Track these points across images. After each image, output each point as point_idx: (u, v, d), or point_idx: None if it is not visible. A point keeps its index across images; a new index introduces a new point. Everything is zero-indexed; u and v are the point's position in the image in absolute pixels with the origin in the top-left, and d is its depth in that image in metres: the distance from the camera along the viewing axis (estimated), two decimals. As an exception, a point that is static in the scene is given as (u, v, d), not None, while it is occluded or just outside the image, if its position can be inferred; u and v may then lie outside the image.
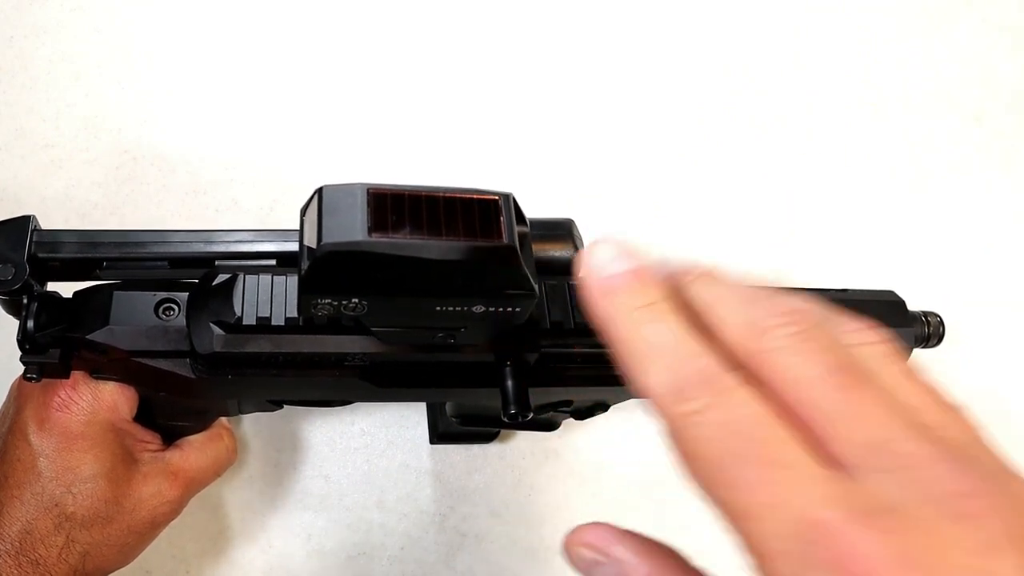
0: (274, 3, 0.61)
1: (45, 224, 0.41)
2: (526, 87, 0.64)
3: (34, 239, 0.40)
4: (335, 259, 0.33)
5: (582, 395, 0.50)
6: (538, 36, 0.65)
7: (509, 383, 0.42)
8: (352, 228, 0.32)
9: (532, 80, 0.64)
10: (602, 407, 0.53)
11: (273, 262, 0.41)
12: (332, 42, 0.62)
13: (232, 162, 0.61)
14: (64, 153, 0.59)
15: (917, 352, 0.53)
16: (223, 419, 0.55)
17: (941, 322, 0.52)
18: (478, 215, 0.34)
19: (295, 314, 0.40)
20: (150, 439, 0.50)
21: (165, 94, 0.60)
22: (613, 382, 0.46)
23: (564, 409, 0.53)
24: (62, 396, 0.46)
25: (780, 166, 0.67)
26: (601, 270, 0.26)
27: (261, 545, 0.62)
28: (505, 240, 0.34)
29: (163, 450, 0.51)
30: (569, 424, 0.62)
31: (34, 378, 0.43)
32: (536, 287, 0.36)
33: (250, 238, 0.42)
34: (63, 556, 0.45)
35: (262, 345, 0.40)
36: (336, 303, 0.35)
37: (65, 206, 0.59)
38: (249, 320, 0.39)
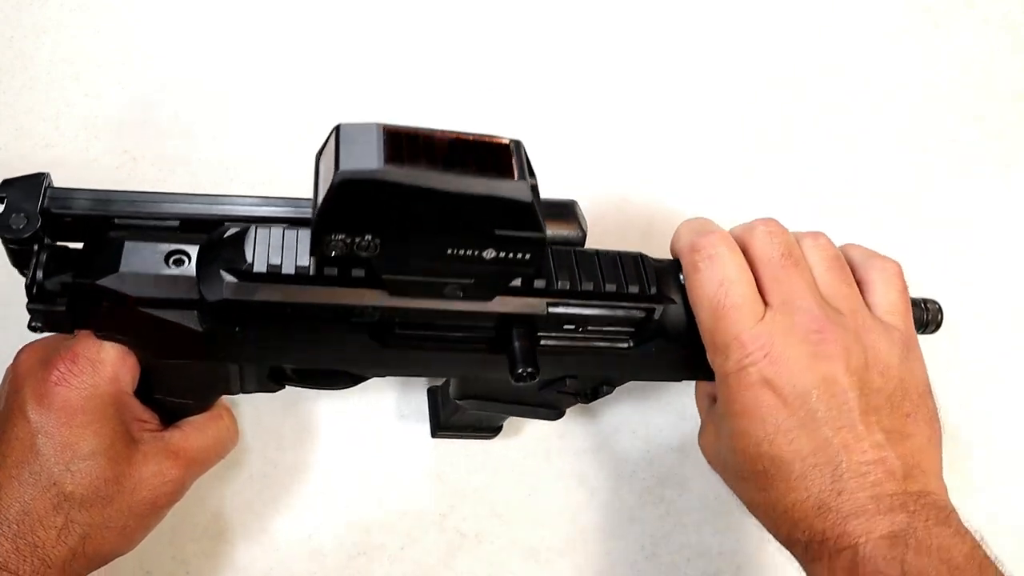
0: (275, 1, 0.61)
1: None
2: (539, 78, 0.64)
3: (48, 194, 0.41)
4: (352, 188, 0.33)
5: (589, 368, 0.49)
6: (545, 27, 0.65)
7: (517, 344, 0.43)
8: (369, 158, 0.33)
9: (546, 71, 0.64)
10: (608, 385, 0.52)
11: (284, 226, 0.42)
12: (333, 42, 0.62)
13: (232, 162, 0.61)
14: (64, 153, 0.59)
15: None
16: (223, 400, 0.53)
17: (940, 309, 0.54)
18: (491, 155, 0.35)
19: (306, 263, 0.40)
20: (148, 418, 0.49)
21: (165, 94, 0.60)
22: (619, 354, 0.47)
23: (570, 392, 0.52)
24: (61, 370, 0.45)
25: (781, 166, 0.67)
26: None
27: (261, 545, 0.62)
28: (517, 177, 0.35)
29: (162, 430, 0.49)
30: (569, 424, 0.62)
31: (38, 327, 0.42)
32: (546, 233, 0.37)
33: (261, 203, 0.43)
34: (62, 538, 0.44)
35: (271, 294, 0.40)
36: (350, 240, 0.36)
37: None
38: (260, 267, 0.40)
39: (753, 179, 0.67)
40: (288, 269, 0.40)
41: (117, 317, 0.42)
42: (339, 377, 0.51)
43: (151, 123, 0.60)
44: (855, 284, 0.48)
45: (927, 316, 0.54)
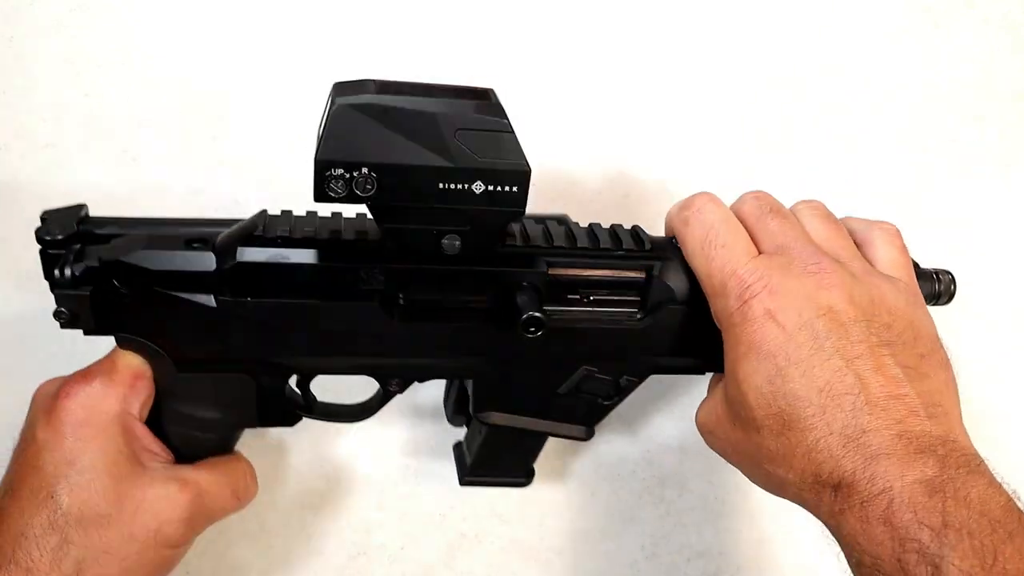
0: (276, 4, 0.61)
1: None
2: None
3: (82, 216, 0.45)
4: (349, 114, 0.39)
5: (603, 352, 0.49)
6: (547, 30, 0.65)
7: (520, 297, 0.45)
8: (363, 93, 0.40)
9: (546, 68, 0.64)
10: (628, 376, 0.51)
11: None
12: (333, 43, 0.62)
13: (232, 162, 0.61)
14: (64, 153, 0.59)
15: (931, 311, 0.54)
16: (239, 451, 0.52)
17: (952, 280, 0.54)
18: (470, 91, 0.42)
19: (313, 231, 0.45)
20: (158, 450, 0.48)
21: (165, 94, 0.60)
22: (631, 331, 0.48)
23: (592, 394, 0.51)
24: (70, 385, 0.46)
25: (781, 166, 0.67)
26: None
27: (261, 545, 0.62)
28: (492, 100, 0.41)
29: (173, 462, 0.48)
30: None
31: (64, 314, 0.43)
32: (528, 165, 0.41)
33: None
34: (56, 562, 0.42)
35: (282, 257, 0.44)
36: (348, 176, 0.40)
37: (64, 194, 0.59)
38: (271, 234, 0.44)
39: (753, 179, 0.67)
40: (298, 235, 0.44)
41: (136, 305, 0.44)
42: (353, 369, 0.50)
43: (151, 123, 0.60)
44: (852, 241, 0.48)
45: (939, 287, 0.53)
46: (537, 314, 0.44)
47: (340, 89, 0.40)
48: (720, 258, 0.45)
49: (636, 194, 0.65)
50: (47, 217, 0.44)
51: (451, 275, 0.45)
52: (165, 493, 0.45)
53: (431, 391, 0.61)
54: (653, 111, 0.65)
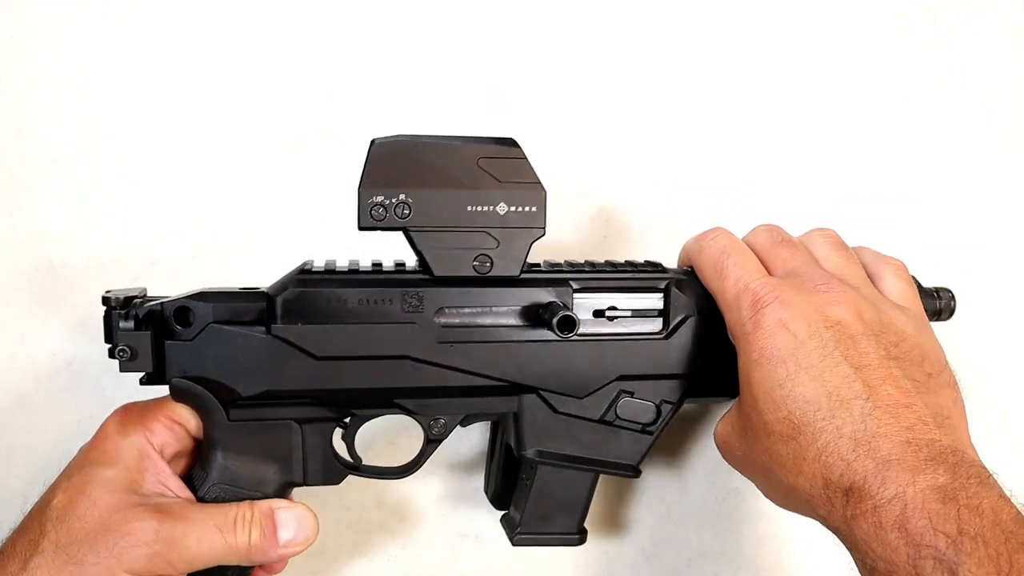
0: (275, 6, 0.61)
1: (40, 227, 0.47)
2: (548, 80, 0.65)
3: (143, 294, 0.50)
4: (385, 150, 0.46)
5: (632, 367, 0.51)
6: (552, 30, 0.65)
7: (555, 304, 0.49)
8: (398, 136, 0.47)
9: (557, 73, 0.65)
10: (667, 403, 0.52)
11: None
12: (334, 46, 0.62)
13: (233, 165, 0.61)
14: (64, 154, 0.59)
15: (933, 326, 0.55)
16: (269, 505, 0.49)
17: (952, 297, 0.56)
18: (493, 139, 0.48)
19: (357, 264, 0.50)
20: (175, 489, 0.48)
21: (166, 98, 0.60)
22: (657, 345, 0.51)
23: (631, 421, 0.52)
24: (123, 406, 0.50)
25: (781, 166, 0.67)
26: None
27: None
28: (511, 141, 0.48)
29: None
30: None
31: (125, 352, 0.46)
32: (543, 187, 0.48)
33: None
34: (29, 548, 0.44)
35: (329, 284, 0.48)
36: (387, 202, 0.47)
37: (65, 206, 0.59)
38: (319, 267, 0.49)
39: (753, 180, 0.67)
40: (343, 267, 0.50)
41: (193, 343, 0.47)
42: (392, 407, 0.51)
43: (152, 126, 0.60)
44: (863, 270, 0.50)
45: (940, 304, 0.56)
46: (570, 314, 0.47)
47: (378, 142, 0.47)
48: (733, 274, 0.48)
49: (634, 193, 0.65)
50: (109, 293, 0.48)
51: (484, 294, 0.49)
52: (137, 515, 0.44)
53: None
54: (649, 111, 0.65)
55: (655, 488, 0.66)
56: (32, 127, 0.59)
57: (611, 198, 0.65)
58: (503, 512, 0.57)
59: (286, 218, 0.55)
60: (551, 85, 0.64)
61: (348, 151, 0.61)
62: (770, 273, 0.49)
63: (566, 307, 0.49)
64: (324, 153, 0.62)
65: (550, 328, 0.47)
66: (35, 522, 0.45)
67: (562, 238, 0.63)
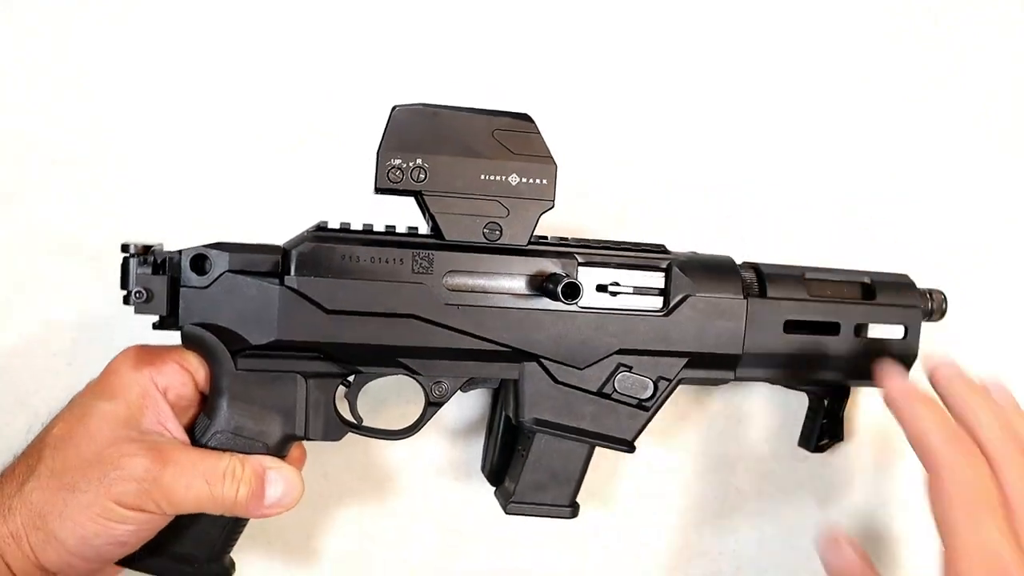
0: (278, 3, 0.61)
1: (40, 227, 0.46)
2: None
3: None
4: (406, 114, 0.48)
5: (633, 342, 0.53)
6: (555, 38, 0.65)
7: (561, 273, 0.51)
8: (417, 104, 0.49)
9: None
10: (664, 380, 0.53)
11: None
12: (335, 45, 0.62)
13: (235, 163, 0.61)
14: (64, 153, 0.59)
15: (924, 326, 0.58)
16: (260, 462, 0.49)
17: (944, 299, 0.58)
18: (508, 113, 0.50)
19: (371, 226, 0.51)
20: (171, 427, 0.48)
21: (167, 96, 0.60)
22: (658, 322, 0.52)
23: (628, 396, 0.53)
24: (133, 347, 0.50)
25: (781, 167, 0.67)
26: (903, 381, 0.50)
27: (261, 544, 0.62)
28: (526, 116, 0.50)
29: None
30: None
31: (141, 295, 0.47)
32: (554, 161, 0.50)
33: None
34: (27, 470, 0.46)
35: (345, 239, 0.50)
36: (404, 165, 0.48)
37: (65, 206, 0.59)
38: (334, 225, 0.51)
39: (753, 180, 0.67)
40: (357, 226, 0.51)
41: (208, 291, 0.48)
42: (397, 368, 0.52)
43: (152, 126, 0.60)
44: None
45: (932, 305, 0.58)
46: (574, 280, 0.48)
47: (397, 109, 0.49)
48: (989, 534, 0.44)
49: (634, 194, 0.65)
50: (129, 244, 0.49)
51: (492, 260, 0.51)
52: (131, 451, 0.46)
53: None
54: (648, 112, 0.66)
55: (655, 488, 0.66)
56: (32, 127, 0.59)
57: (611, 198, 0.65)
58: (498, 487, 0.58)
59: (286, 218, 0.55)
60: (551, 85, 0.64)
61: (348, 151, 0.61)
62: (1004, 499, 0.45)
63: (570, 275, 0.50)
64: (324, 153, 0.62)
65: (554, 295, 0.49)
66: (35, 449, 0.48)
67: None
